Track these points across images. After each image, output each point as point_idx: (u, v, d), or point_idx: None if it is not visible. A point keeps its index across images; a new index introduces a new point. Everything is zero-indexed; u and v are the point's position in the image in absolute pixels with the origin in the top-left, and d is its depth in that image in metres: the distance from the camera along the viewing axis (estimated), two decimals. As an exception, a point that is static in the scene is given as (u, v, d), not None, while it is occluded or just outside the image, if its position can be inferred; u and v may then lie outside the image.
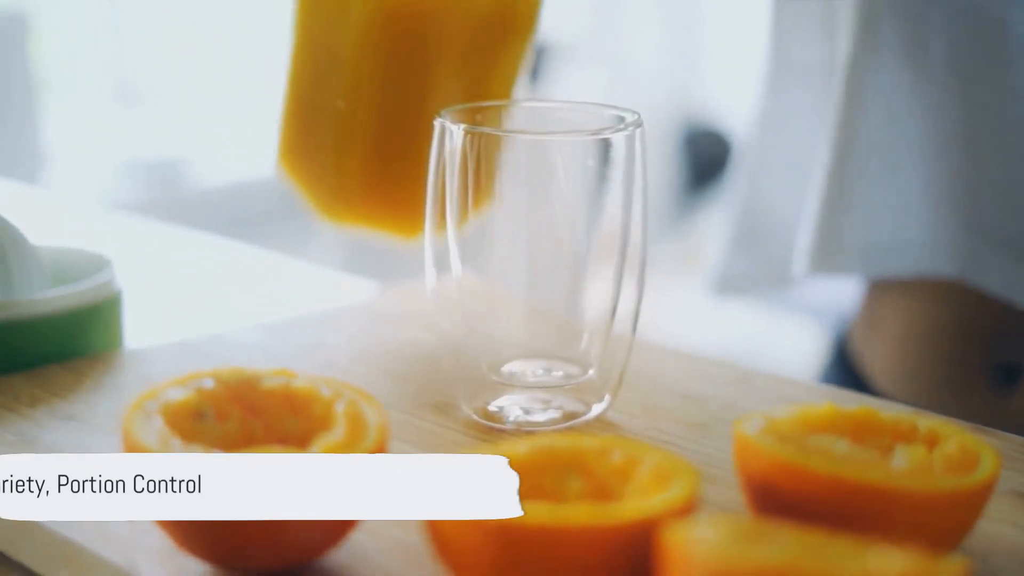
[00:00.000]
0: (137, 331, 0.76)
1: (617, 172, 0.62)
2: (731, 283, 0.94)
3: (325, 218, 0.77)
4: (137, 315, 0.77)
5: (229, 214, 2.70)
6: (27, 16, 2.54)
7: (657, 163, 3.19)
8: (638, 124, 0.63)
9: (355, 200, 0.75)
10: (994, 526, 0.55)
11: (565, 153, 0.63)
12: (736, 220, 0.93)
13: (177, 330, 0.79)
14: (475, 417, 0.65)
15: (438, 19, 0.70)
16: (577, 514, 0.45)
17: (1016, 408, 0.79)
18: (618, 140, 0.62)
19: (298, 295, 0.94)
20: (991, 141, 0.76)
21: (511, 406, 0.65)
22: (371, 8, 0.69)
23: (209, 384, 0.53)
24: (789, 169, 0.90)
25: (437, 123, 0.63)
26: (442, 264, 0.64)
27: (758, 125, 0.91)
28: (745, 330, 2.53)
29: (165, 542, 0.51)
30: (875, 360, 0.87)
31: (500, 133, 0.63)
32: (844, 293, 0.96)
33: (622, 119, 0.63)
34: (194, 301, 0.94)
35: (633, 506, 0.46)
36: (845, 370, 0.90)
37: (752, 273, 0.93)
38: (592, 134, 0.62)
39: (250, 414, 0.53)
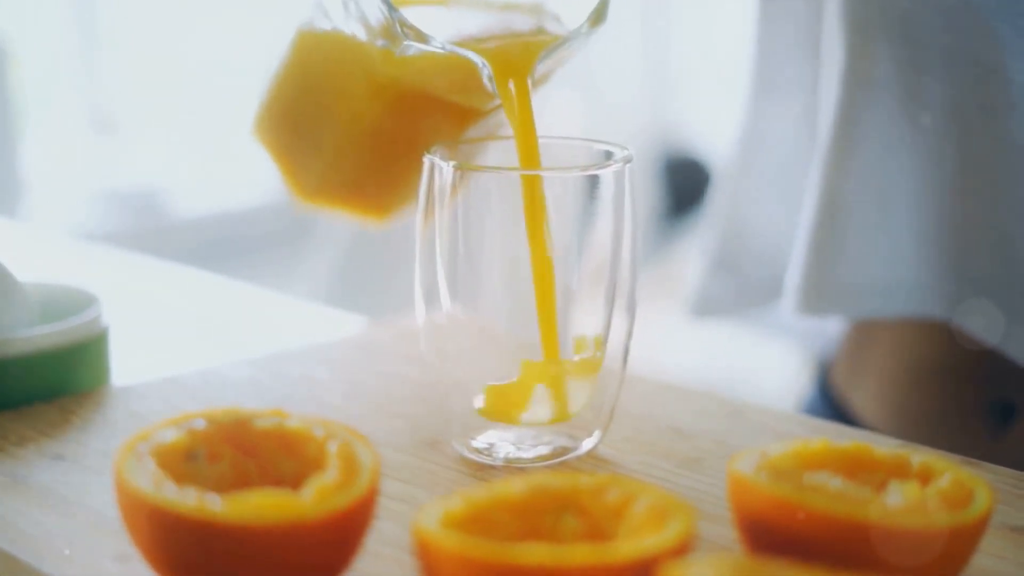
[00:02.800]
0: (122, 366, 0.76)
1: (607, 207, 0.63)
2: (711, 306, 0.93)
3: (295, 196, 0.76)
4: (122, 350, 0.77)
5: (209, 244, 2.70)
6: (4, 46, 2.54)
7: (637, 191, 3.20)
8: (628, 160, 0.63)
9: (335, 189, 0.75)
10: (988, 561, 0.55)
11: (555, 189, 0.63)
12: (716, 242, 0.92)
13: (162, 365, 0.78)
14: (465, 453, 0.64)
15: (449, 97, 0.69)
16: (574, 554, 0.45)
17: (1010, 448, 0.79)
18: (607, 176, 0.62)
19: (284, 329, 0.94)
20: (985, 189, 0.76)
21: (501, 442, 0.65)
22: (381, 84, 0.68)
23: (201, 425, 0.53)
24: (770, 190, 0.90)
25: (426, 159, 0.63)
26: (431, 299, 0.64)
27: (739, 145, 0.91)
28: (725, 355, 2.53)
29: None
30: (862, 398, 0.87)
31: (490, 169, 0.63)
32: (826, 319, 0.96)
33: (611, 155, 0.63)
34: (179, 335, 0.94)
35: (630, 546, 0.46)
36: (829, 405, 0.90)
37: (733, 295, 0.92)
38: (582, 170, 0.62)
39: (243, 455, 0.53)
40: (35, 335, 0.70)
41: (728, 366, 2.52)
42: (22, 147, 2.62)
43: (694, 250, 0.98)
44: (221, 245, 2.70)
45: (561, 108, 3.14)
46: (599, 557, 0.45)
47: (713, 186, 0.94)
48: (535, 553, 0.45)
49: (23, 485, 0.60)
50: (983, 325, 0.76)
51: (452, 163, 0.62)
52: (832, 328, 0.94)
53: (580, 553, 0.45)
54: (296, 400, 0.72)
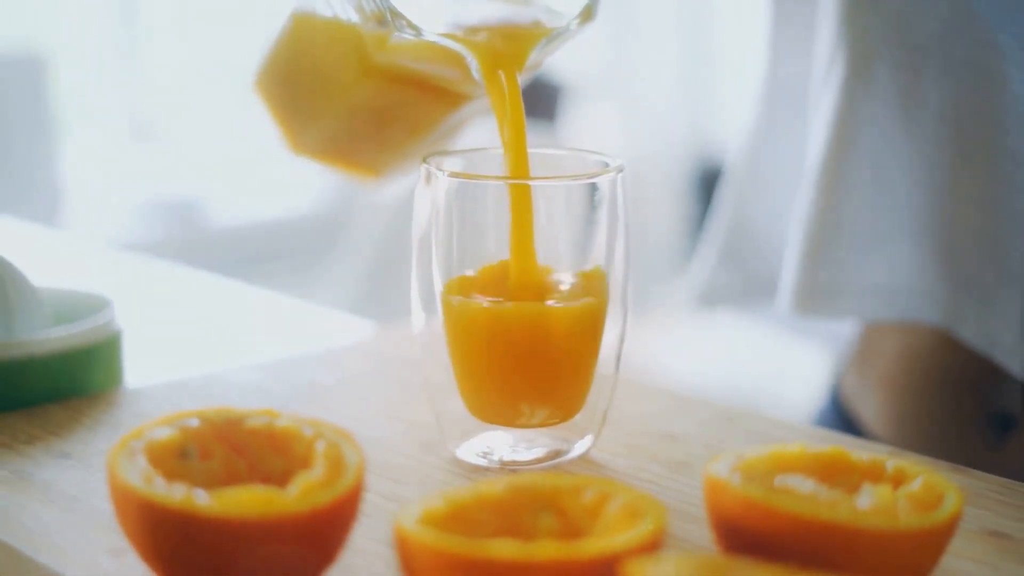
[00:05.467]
0: (139, 370, 0.78)
1: (602, 216, 0.64)
2: (715, 296, 0.94)
3: (291, 150, 0.77)
4: (140, 354, 0.78)
5: (246, 252, 2.72)
6: (44, 56, 2.57)
7: (672, 200, 3.21)
8: (620, 169, 0.64)
9: (329, 150, 0.76)
10: (969, 566, 0.55)
11: (549, 197, 0.64)
12: (723, 234, 0.93)
13: (178, 369, 0.80)
14: (460, 455, 0.66)
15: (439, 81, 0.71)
16: (543, 550, 0.46)
17: (1009, 458, 0.79)
18: (602, 184, 0.63)
19: (298, 335, 0.96)
20: (978, 196, 0.76)
21: (497, 445, 0.66)
22: (372, 66, 0.69)
23: (194, 423, 0.55)
24: (778, 182, 0.90)
25: (423, 168, 0.64)
26: (429, 305, 0.66)
27: (749, 140, 0.91)
28: (747, 363, 2.54)
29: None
30: (867, 408, 0.87)
31: (486, 179, 0.64)
32: (842, 327, 0.96)
33: (606, 164, 0.65)
34: (196, 340, 0.95)
35: (597, 543, 0.47)
36: (839, 416, 0.90)
37: (737, 288, 0.93)
38: (576, 179, 0.64)
39: (234, 453, 0.55)
40: (48, 337, 0.72)
41: (748, 373, 2.52)
42: (62, 157, 2.66)
43: (701, 241, 0.98)
44: (255, 254, 2.72)
45: (599, 120, 3.16)
46: (566, 553, 0.46)
47: (724, 180, 0.94)
48: (505, 549, 0.46)
49: (27, 481, 0.62)
50: (976, 332, 0.77)
51: (448, 172, 0.63)
52: (847, 334, 0.95)
53: (548, 549, 0.46)
54: (300, 403, 0.73)
